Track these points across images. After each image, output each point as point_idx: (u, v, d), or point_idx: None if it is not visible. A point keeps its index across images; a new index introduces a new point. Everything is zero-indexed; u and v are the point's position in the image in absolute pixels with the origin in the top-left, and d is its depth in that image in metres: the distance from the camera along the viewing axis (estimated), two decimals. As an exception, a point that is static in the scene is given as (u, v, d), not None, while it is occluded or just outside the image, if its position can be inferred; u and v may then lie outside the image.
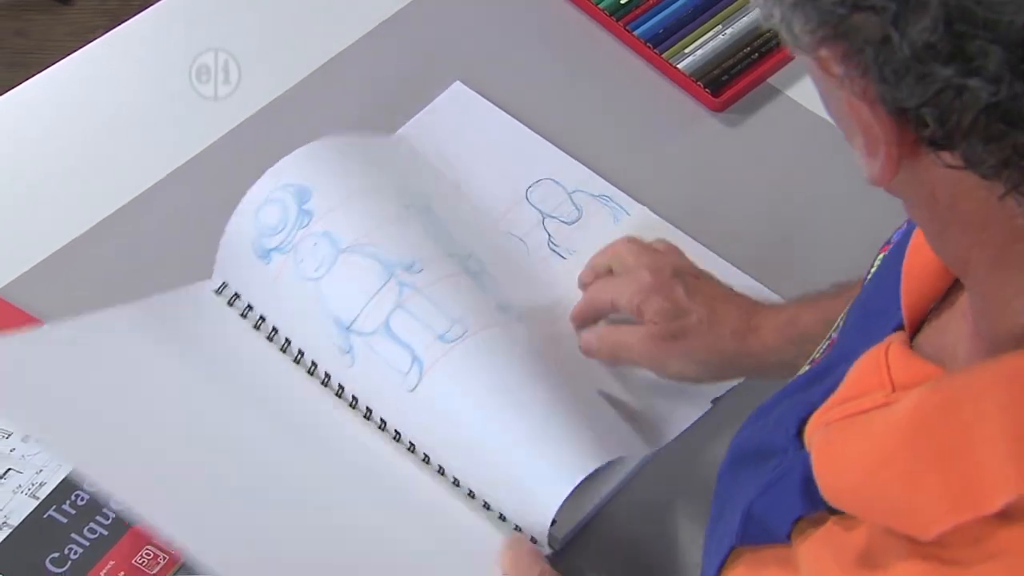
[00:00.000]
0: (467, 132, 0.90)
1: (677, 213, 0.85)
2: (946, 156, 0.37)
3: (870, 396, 0.45)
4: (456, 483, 0.71)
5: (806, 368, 0.57)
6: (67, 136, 0.91)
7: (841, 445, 0.45)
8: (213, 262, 0.80)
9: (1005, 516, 0.38)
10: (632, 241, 0.77)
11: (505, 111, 0.90)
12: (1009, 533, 0.38)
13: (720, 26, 0.94)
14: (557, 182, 0.87)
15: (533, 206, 0.86)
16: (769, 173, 0.88)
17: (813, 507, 0.46)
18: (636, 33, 0.94)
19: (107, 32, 0.96)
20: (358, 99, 0.92)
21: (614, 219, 0.85)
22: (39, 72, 0.94)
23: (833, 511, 0.45)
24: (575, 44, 0.96)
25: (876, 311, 0.52)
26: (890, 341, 0.47)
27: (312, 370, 0.76)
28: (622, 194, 0.86)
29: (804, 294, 0.72)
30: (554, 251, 0.84)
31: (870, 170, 0.39)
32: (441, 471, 0.71)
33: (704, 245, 0.83)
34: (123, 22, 0.96)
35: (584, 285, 0.78)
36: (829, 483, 0.44)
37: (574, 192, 0.86)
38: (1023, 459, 0.37)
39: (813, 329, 0.66)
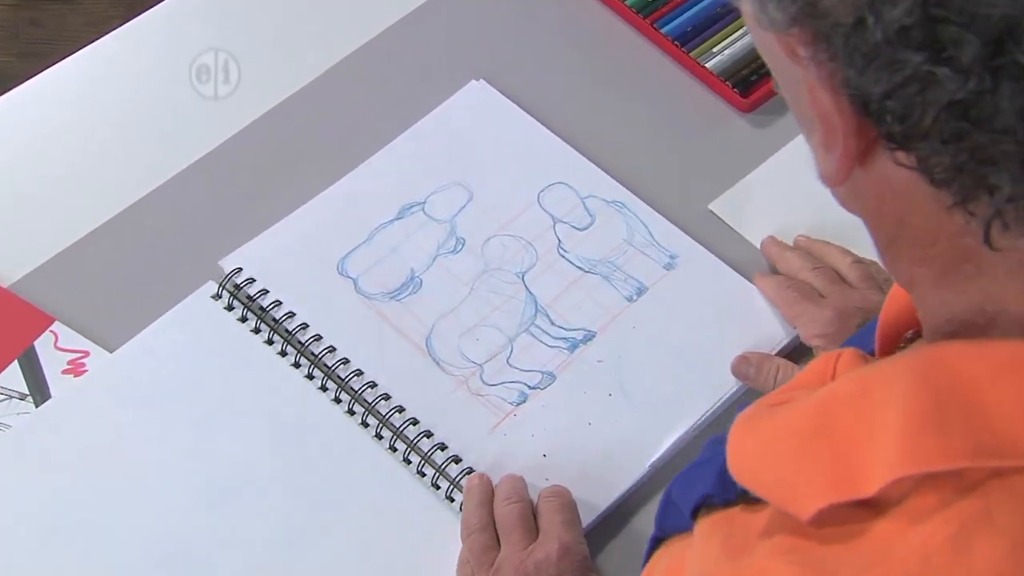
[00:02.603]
0: (483, 130, 0.90)
1: (700, 221, 0.85)
2: (901, 156, 0.37)
3: (802, 390, 0.45)
4: (450, 494, 0.74)
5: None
6: (82, 129, 0.93)
7: (756, 423, 0.45)
8: (216, 257, 0.84)
9: (876, 506, 0.39)
10: (844, 254, 0.78)
11: (524, 110, 0.91)
12: (876, 524, 0.39)
13: (750, 24, 0.96)
14: (570, 186, 0.87)
15: (545, 210, 0.86)
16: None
17: (724, 492, 0.46)
18: (663, 31, 0.94)
19: (123, 23, 0.98)
20: (375, 94, 0.93)
21: (626, 226, 0.85)
22: (53, 63, 0.96)
23: (743, 499, 0.45)
24: (599, 41, 0.96)
25: (869, 330, 0.53)
26: (847, 350, 0.47)
27: (310, 375, 0.79)
28: (637, 200, 0.86)
29: None
30: (563, 256, 0.84)
31: (825, 166, 0.40)
32: (436, 484, 0.74)
33: (726, 262, 0.82)
34: (139, 13, 0.98)
35: (768, 255, 0.80)
36: (735, 458, 0.45)
37: (587, 197, 0.87)
38: (907, 444, 0.38)
39: None
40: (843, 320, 0.74)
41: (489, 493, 0.74)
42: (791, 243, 0.84)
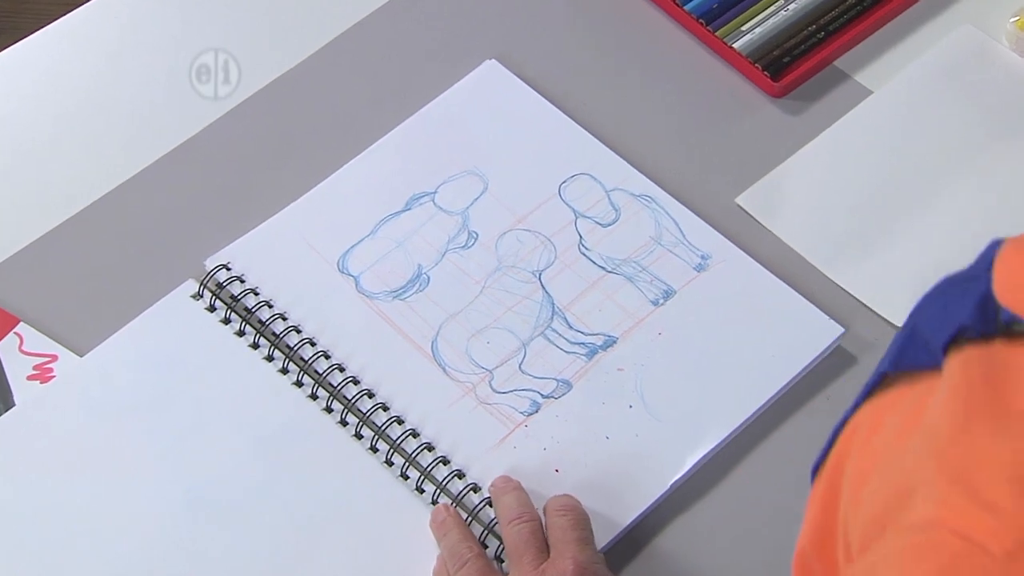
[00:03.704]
0: (499, 116, 0.89)
1: (729, 215, 0.83)
2: None
3: None
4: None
5: None
6: (50, 112, 0.92)
7: None
8: (198, 253, 0.83)
9: None
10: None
11: (541, 94, 0.89)
12: None
13: (782, 1, 0.92)
14: (595, 178, 0.86)
15: (566, 204, 0.85)
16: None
17: (983, 323, 0.42)
18: (687, 8, 0.92)
19: (95, -4, 0.97)
20: (379, 73, 0.92)
21: (655, 223, 0.83)
22: (18, 40, 0.95)
23: (1005, 331, 0.42)
24: (619, 20, 0.94)
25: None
26: None
27: (299, 382, 0.78)
28: (665, 194, 0.84)
29: None
30: (584, 255, 0.83)
31: None
32: (436, 502, 0.73)
33: (757, 260, 0.81)
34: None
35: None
36: (1006, 279, 0.42)
37: (613, 190, 0.85)
38: None
39: None
40: None
41: (462, 521, 0.72)
42: (826, 241, 0.82)
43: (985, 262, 0.45)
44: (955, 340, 0.43)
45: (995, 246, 0.45)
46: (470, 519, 0.72)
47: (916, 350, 0.46)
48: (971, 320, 0.42)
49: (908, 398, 0.45)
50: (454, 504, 0.73)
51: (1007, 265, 0.42)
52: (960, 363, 0.42)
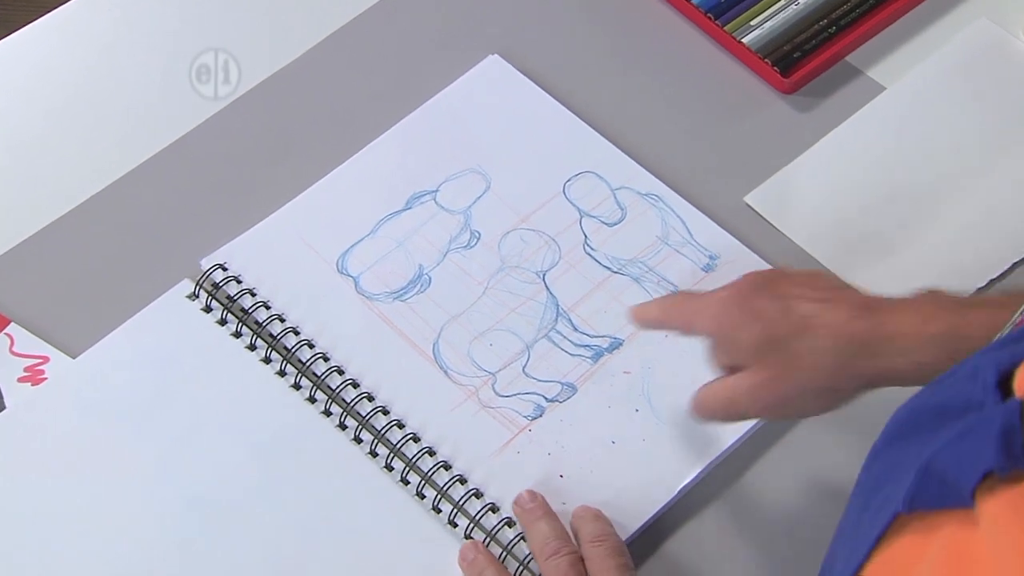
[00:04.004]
0: (502, 112, 0.89)
1: (737, 215, 0.83)
2: None
3: None
4: (453, 518, 0.72)
5: (1007, 331, 0.54)
6: (41, 107, 0.91)
7: None
8: (194, 252, 0.82)
9: None
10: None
11: (545, 90, 0.89)
12: None
13: (792, -6, 0.91)
14: (600, 176, 0.85)
15: (571, 202, 0.84)
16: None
17: (1011, 462, 0.42)
18: (695, 2, 0.92)
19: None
20: (379, 68, 0.92)
21: (662, 223, 0.83)
22: (8, 34, 0.94)
23: None
24: (625, 14, 0.94)
25: None
26: None
27: (297, 384, 0.77)
28: (672, 193, 0.84)
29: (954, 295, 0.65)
30: (589, 255, 0.82)
31: None
32: (437, 508, 0.72)
33: (766, 260, 0.81)
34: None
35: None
36: None
37: (619, 189, 0.85)
38: None
39: (979, 335, 0.59)
40: (736, 294, 0.67)
41: (494, 560, 0.71)
42: (837, 241, 0.81)
43: (986, 386, 0.45)
44: (984, 480, 0.43)
45: (991, 368, 0.46)
46: (472, 526, 0.71)
47: (936, 491, 0.45)
48: (996, 461, 0.42)
49: (941, 539, 0.45)
50: (456, 509, 0.72)
51: None
52: (1008, 508, 0.42)
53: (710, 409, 0.69)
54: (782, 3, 0.91)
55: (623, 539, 0.71)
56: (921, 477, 0.46)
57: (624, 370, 0.77)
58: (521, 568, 0.70)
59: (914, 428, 0.50)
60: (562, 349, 0.79)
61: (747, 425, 0.74)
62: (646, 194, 0.84)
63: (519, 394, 0.77)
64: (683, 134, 0.88)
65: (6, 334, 0.80)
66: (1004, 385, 0.46)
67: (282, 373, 0.78)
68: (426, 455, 0.74)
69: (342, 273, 0.82)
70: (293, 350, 0.78)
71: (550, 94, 0.89)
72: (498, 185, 0.86)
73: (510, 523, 0.72)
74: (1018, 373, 0.45)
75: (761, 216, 0.83)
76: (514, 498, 0.72)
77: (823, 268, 0.80)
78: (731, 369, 0.67)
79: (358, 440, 0.75)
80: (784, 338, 0.64)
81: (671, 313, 0.71)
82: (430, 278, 0.82)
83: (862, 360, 0.63)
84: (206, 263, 0.82)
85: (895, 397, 0.52)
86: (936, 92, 0.87)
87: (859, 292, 0.66)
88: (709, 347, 0.68)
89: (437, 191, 0.86)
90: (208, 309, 0.81)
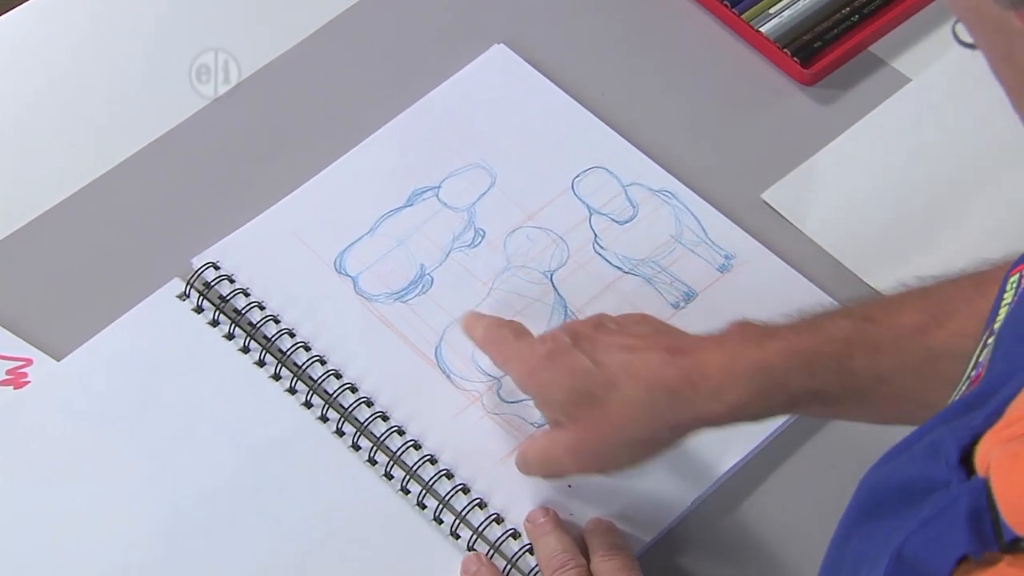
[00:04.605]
0: (508, 104, 0.89)
1: (754, 212, 0.83)
2: None
3: None
4: (456, 530, 0.72)
5: (955, 398, 0.55)
6: (24, 97, 0.91)
7: None
8: (185, 251, 0.82)
9: None
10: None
11: (553, 81, 0.89)
12: None
13: (813, -19, 0.91)
14: (611, 172, 0.85)
15: (580, 199, 0.84)
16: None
17: (982, 545, 0.43)
18: None
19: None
20: (379, 58, 0.91)
21: (676, 221, 0.83)
22: None
23: (1009, 548, 0.42)
24: (637, 2, 0.94)
25: None
26: None
27: (292, 388, 0.77)
28: (686, 190, 0.84)
29: (761, 325, 0.66)
30: (599, 254, 0.82)
31: None
32: (439, 519, 0.72)
33: (785, 260, 0.80)
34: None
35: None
36: (1016, 501, 0.42)
37: (630, 185, 0.84)
38: None
39: (786, 367, 0.62)
40: (547, 345, 0.69)
41: (495, 569, 0.71)
42: (859, 240, 0.81)
43: (949, 465, 0.46)
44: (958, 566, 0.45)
45: (951, 445, 0.47)
46: (475, 537, 0.71)
47: None
48: (969, 546, 0.43)
49: None
50: (458, 520, 0.72)
51: (1005, 485, 0.43)
52: None
53: (530, 467, 0.71)
54: (803, -12, 0.90)
55: (635, 552, 0.71)
56: (895, 565, 0.47)
57: None
58: (509, 567, 0.70)
59: (879, 507, 0.51)
60: None
61: (767, 432, 0.74)
62: (659, 191, 0.84)
63: (525, 400, 0.76)
64: (698, 128, 0.87)
65: (-13, 336, 0.79)
66: (967, 461, 0.47)
67: (277, 377, 0.77)
68: (427, 463, 0.74)
69: (340, 273, 0.82)
70: (289, 353, 0.77)
71: (558, 85, 0.89)
72: (503, 181, 0.85)
73: (515, 534, 0.71)
74: (978, 449, 0.46)
75: (779, 214, 0.83)
76: (526, 515, 0.72)
77: (843, 268, 0.80)
78: (553, 421, 0.70)
79: (356, 447, 0.75)
80: (595, 393, 0.66)
81: (491, 348, 0.73)
82: (432, 278, 0.82)
83: (675, 409, 0.65)
84: (197, 261, 0.82)
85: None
86: (964, 84, 0.85)
87: (675, 335, 0.68)
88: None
89: (440, 187, 0.86)
90: (199, 310, 0.80)
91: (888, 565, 0.47)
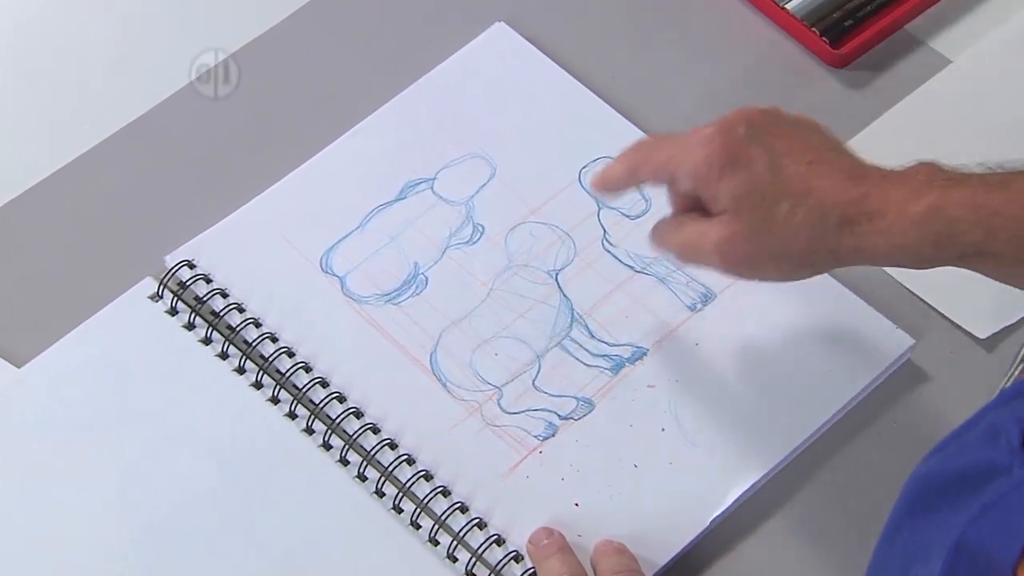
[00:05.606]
0: (509, 88, 0.88)
1: None
2: None
3: None
4: (453, 552, 0.72)
5: (1007, 383, 0.55)
6: None
7: None
8: (157, 248, 0.81)
9: None
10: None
11: (559, 64, 0.88)
12: None
13: (842, -46, 0.89)
14: None
15: (588, 192, 0.83)
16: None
17: None
18: None
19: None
20: (369, 37, 0.91)
21: None
22: None
23: None
24: None
25: None
26: None
27: (275, 398, 0.77)
28: None
29: (950, 170, 0.66)
30: (609, 251, 0.81)
31: None
32: (435, 540, 0.72)
33: None
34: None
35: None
36: None
37: None
38: None
39: (965, 220, 0.61)
40: (726, 136, 0.69)
41: None
42: None
43: (1011, 448, 0.47)
44: None
45: (1013, 427, 0.48)
46: (474, 561, 0.70)
47: (971, 570, 0.47)
48: None
49: None
50: (456, 541, 0.71)
51: None
52: None
53: (669, 245, 0.71)
54: (833, -36, 0.89)
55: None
56: (953, 556, 0.48)
57: (648, 383, 0.76)
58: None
59: (935, 497, 0.52)
60: (577, 359, 0.77)
61: (788, 448, 0.73)
62: None
63: (528, 411, 0.75)
64: (716, 114, 0.81)
65: (-57, 341, 0.77)
66: None
67: (258, 385, 0.76)
68: (422, 480, 0.73)
69: (326, 272, 0.81)
70: (270, 359, 0.76)
71: (564, 67, 0.88)
72: (504, 172, 0.84)
73: (517, 557, 0.70)
74: None
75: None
76: (529, 536, 0.71)
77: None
78: (689, 200, 0.69)
79: (344, 462, 0.74)
80: (767, 196, 0.65)
81: (641, 162, 0.71)
82: (427, 278, 0.81)
83: (841, 235, 0.64)
84: (171, 259, 0.81)
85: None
86: (1007, 66, 0.85)
87: (851, 156, 0.68)
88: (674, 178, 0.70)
89: (435, 179, 0.85)
90: (174, 312, 0.79)
91: (947, 558, 0.47)
